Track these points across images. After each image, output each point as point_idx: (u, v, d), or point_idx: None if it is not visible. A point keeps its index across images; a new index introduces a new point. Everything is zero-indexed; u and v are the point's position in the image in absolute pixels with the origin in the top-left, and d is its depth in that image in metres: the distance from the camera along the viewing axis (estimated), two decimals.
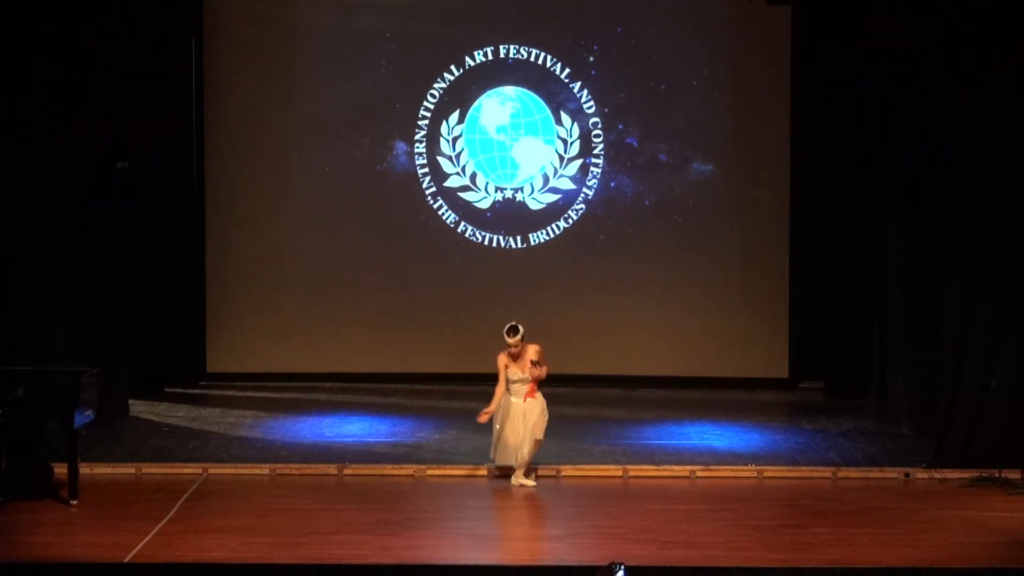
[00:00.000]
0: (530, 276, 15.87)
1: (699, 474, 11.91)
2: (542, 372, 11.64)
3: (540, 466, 11.86)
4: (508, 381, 11.62)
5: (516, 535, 10.78)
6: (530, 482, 11.56)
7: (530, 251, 15.99)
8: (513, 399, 11.62)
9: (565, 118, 15.82)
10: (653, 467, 12.06)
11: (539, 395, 11.68)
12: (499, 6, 15.93)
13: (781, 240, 15.82)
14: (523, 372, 11.58)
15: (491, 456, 11.73)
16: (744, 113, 15.80)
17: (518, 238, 15.96)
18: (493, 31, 15.83)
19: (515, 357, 11.62)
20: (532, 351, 11.64)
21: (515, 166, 15.89)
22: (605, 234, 15.95)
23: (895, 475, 11.92)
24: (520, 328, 11.61)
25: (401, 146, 15.92)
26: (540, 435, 11.60)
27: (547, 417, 11.66)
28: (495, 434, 11.65)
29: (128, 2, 14.03)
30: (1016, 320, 11.93)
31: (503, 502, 11.33)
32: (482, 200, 15.91)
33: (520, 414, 11.56)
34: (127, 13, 13.96)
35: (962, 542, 10.12)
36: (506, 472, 11.69)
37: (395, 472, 11.90)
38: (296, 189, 15.93)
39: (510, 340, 11.58)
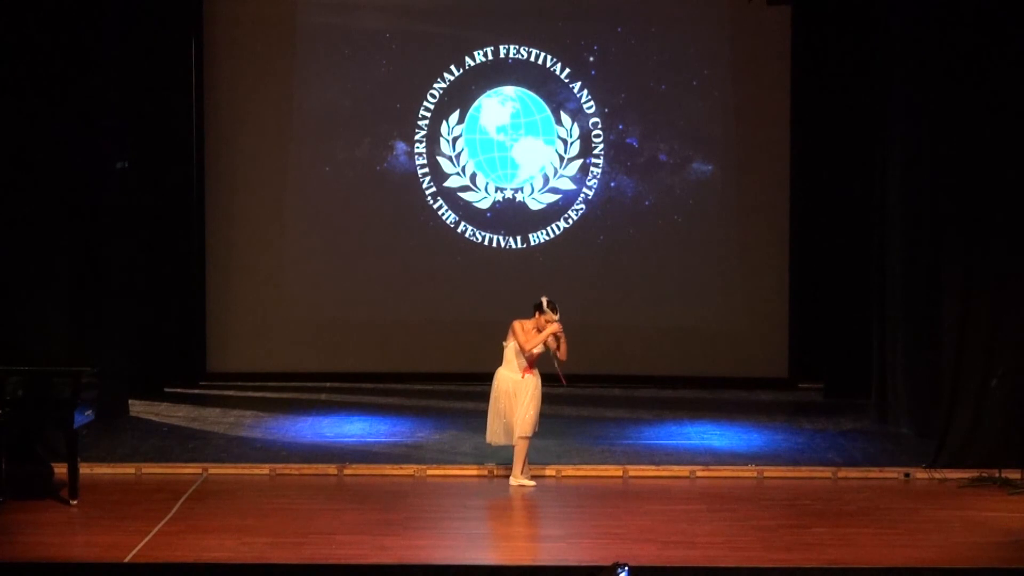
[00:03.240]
0: (530, 276, 15.84)
1: (699, 474, 11.91)
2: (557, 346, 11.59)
3: (540, 466, 11.86)
4: (516, 352, 11.59)
5: (516, 535, 10.78)
6: (529, 482, 11.56)
7: (530, 251, 15.99)
8: (506, 372, 11.60)
9: (565, 118, 15.83)
10: (653, 467, 12.06)
11: (535, 372, 11.62)
12: (499, 6, 15.93)
13: (781, 240, 15.82)
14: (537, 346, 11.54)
15: (487, 440, 11.70)
16: (744, 113, 15.81)
17: (518, 238, 15.97)
18: (493, 31, 15.83)
19: (538, 330, 11.57)
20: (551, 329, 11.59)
21: (515, 166, 15.89)
22: (605, 234, 15.95)
23: (895, 475, 11.92)
24: (555, 305, 11.57)
25: (401, 146, 15.93)
26: (529, 431, 11.51)
27: (539, 399, 11.53)
28: (489, 412, 11.63)
29: (128, 2, 14.04)
30: (1016, 321, 11.93)
31: (503, 502, 11.33)
32: (482, 200, 15.91)
33: (514, 392, 11.51)
34: (127, 13, 13.97)
35: (962, 542, 10.12)
36: (505, 473, 11.70)
37: (395, 472, 11.90)
38: (296, 189, 15.93)
39: (555, 315, 11.50)
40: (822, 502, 11.16)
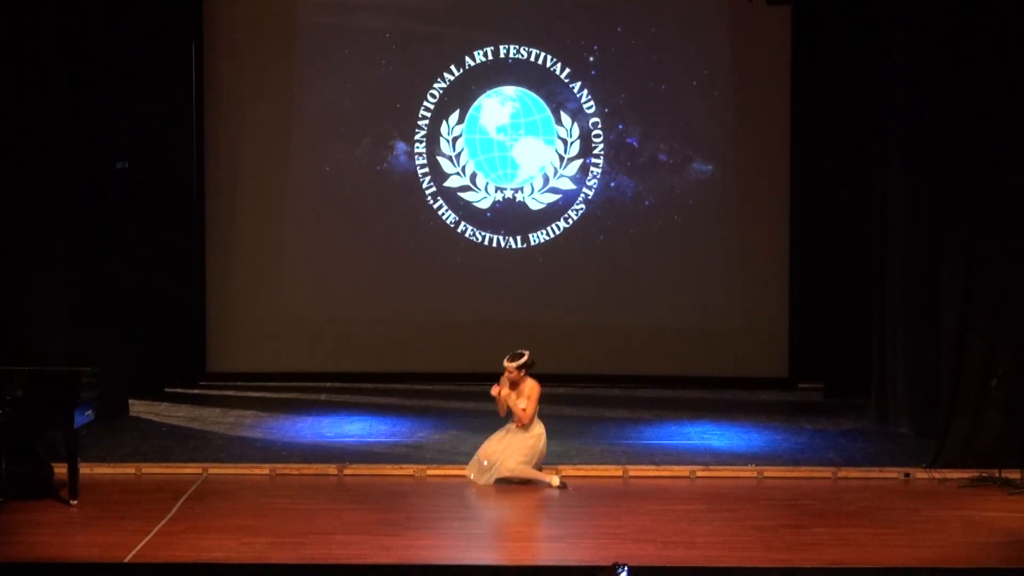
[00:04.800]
0: (530, 276, 15.87)
1: (699, 474, 11.91)
2: (517, 403, 11.44)
3: (542, 467, 11.84)
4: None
5: (516, 535, 10.78)
6: (555, 480, 11.50)
7: (530, 251, 15.99)
8: (508, 419, 11.61)
9: (565, 118, 15.82)
10: (653, 467, 12.06)
11: (536, 427, 11.53)
12: (499, 6, 15.93)
13: (781, 240, 15.81)
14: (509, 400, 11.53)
15: (465, 471, 11.69)
16: (744, 113, 15.80)
17: (518, 238, 15.96)
18: (493, 31, 15.83)
19: (512, 384, 11.53)
20: (528, 387, 11.54)
21: (515, 166, 15.89)
22: (605, 234, 15.95)
23: (895, 475, 11.92)
24: (524, 356, 11.47)
25: (401, 146, 15.92)
26: (506, 473, 11.46)
27: (531, 455, 11.45)
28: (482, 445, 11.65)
29: (128, 3, 14.04)
30: (1016, 321, 11.92)
31: (503, 502, 11.32)
32: (482, 200, 15.91)
33: (499, 438, 11.53)
34: (127, 13, 13.97)
35: (962, 542, 10.12)
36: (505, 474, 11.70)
37: (395, 472, 11.90)
38: (296, 189, 15.93)
39: (505, 363, 11.45)
40: (822, 502, 11.15)
